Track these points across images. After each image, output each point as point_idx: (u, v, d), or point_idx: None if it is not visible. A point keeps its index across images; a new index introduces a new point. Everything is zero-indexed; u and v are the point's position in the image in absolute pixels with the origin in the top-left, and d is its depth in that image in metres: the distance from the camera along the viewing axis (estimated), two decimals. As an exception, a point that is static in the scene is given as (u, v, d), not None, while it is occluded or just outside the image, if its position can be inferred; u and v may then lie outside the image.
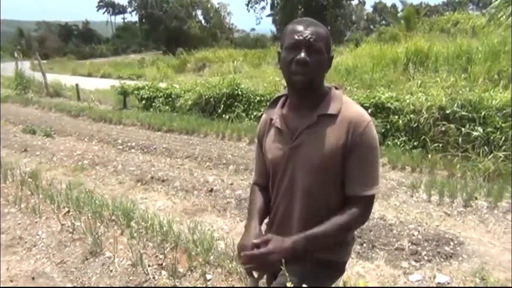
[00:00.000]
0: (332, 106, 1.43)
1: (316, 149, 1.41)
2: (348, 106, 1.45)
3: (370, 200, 1.45)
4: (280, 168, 1.51)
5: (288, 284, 0.73)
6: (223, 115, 9.34)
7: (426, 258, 3.39)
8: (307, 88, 1.41)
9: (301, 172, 1.45)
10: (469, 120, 6.05)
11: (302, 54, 1.35)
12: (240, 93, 9.37)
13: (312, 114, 1.43)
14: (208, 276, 3.06)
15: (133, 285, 3.00)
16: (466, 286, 3.00)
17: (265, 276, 1.55)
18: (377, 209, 4.36)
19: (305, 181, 1.45)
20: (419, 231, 3.84)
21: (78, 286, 3.06)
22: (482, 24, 14.26)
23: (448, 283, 3.02)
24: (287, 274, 0.91)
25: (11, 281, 3.13)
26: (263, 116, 1.65)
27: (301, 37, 1.36)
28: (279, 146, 1.50)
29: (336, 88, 1.51)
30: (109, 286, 3.02)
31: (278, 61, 1.47)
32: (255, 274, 1.45)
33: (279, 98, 1.59)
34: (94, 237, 3.52)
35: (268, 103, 1.63)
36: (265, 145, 1.59)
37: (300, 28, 1.37)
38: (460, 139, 5.96)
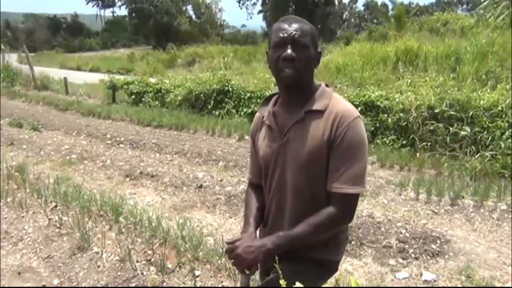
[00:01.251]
0: (320, 102, 1.43)
1: (303, 145, 1.41)
2: (336, 102, 1.44)
3: (349, 198, 1.41)
4: (270, 165, 1.51)
5: (281, 282, 0.73)
6: (213, 111, 9.32)
7: (413, 255, 3.43)
8: (295, 84, 1.41)
9: (290, 168, 1.45)
10: (457, 119, 6.12)
11: (289, 51, 1.36)
12: (230, 89, 9.36)
13: (300, 110, 1.44)
14: (197, 272, 3.06)
15: (121, 281, 2.99)
16: (452, 284, 3.04)
17: (257, 272, 1.56)
18: (365, 207, 4.40)
19: (294, 178, 1.45)
20: (406, 229, 3.87)
21: (66, 283, 3.03)
22: (471, 24, 14.44)
23: (435, 281, 3.06)
24: (280, 272, 0.91)
25: (-3, 276, 3.10)
26: (256, 114, 1.65)
27: (285, 34, 1.37)
28: (269, 143, 1.50)
29: (327, 86, 1.50)
30: (97, 281, 3.00)
31: (267, 60, 1.48)
32: (247, 271, 1.45)
33: (271, 96, 1.60)
34: (82, 232, 3.49)
35: (260, 101, 1.63)
36: (257, 143, 1.59)
37: (284, 26, 1.39)
38: (448, 138, 6.03)
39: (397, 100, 6.86)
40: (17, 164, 5.59)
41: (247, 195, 1.71)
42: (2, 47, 18.27)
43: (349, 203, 1.42)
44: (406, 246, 3.57)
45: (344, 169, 1.38)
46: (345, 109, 1.41)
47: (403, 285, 3.02)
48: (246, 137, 7.48)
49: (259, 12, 40.40)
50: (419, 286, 3.02)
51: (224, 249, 2.97)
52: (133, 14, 39.38)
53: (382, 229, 3.89)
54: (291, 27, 1.37)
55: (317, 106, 1.42)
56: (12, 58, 18.23)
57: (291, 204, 1.49)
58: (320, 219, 1.40)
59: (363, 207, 4.35)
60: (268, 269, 1.53)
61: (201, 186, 5.06)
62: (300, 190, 1.46)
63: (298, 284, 0.69)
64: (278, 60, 1.38)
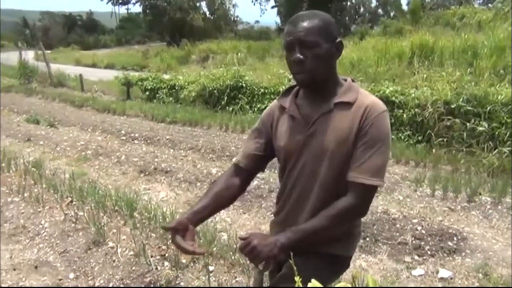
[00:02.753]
0: (348, 95, 1.43)
1: (332, 136, 1.39)
2: (365, 95, 1.44)
3: (366, 190, 1.38)
4: (293, 155, 1.49)
5: (296, 279, 0.72)
6: (227, 107, 9.32)
7: (429, 252, 3.38)
8: (311, 84, 1.41)
9: (317, 160, 1.43)
10: (474, 115, 6.02)
11: (297, 54, 1.35)
12: (244, 85, 9.34)
13: (327, 102, 1.42)
14: (211, 268, 3.07)
15: (135, 275, 3.01)
16: (469, 281, 3.00)
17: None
18: (380, 203, 4.35)
19: (321, 169, 1.43)
20: (422, 226, 3.83)
21: (81, 277, 3.07)
22: (488, 18, 14.18)
23: (451, 278, 3.02)
24: (294, 268, 0.90)
25: (14, 269, 3.14)
26: (274, 102, 1.62)
27: (292, 37, 1.36)
28: (293, 134, 1.48)
29: (353, 81, 1.50)
30: (112, 276, 3.03)
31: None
32: (260, 266, 1.44)
33: (292, 87, 1.58)
34: (97, 227, 3.53)
35: (275, 96, 1.62)
36: (275, 132, 1.55)
37: (290, 28, 1.38)
38: (465, 134, 5.93)
39: (412, 95, 6.76)
40: (34, 160, 5.67)
41: (227, 172, 1.64)
42: (20, 44, 18.50)
43: (365, 194, 1.40)
44: (422, 243, 3.53)
45: (364, 160, 1.36)
46: (374, 102, 1.41)
47: (419, 282, 2.99)
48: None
49: (273, 7, 40.24)
50: (435, 283, 2.98)
51: (238, 245, 2.97)
52: (147, 11, 39.55)
53: (398, 225, 3.86)
54: (297, 27, 1.36)
55: (346, 98, 1.41)
56: (29, 56, 18.47)
57: (316, 195, 1.46)
58: (335, 211, 1.38)
59: (378, 203, 4.31)
60: (280, 265, 1.51)
61: (214, 182, 5.06)
62: (326, 181, 1.44)
63: (313, 281, 0.68)
64: (290, 64, 1.40)
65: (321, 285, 0.65)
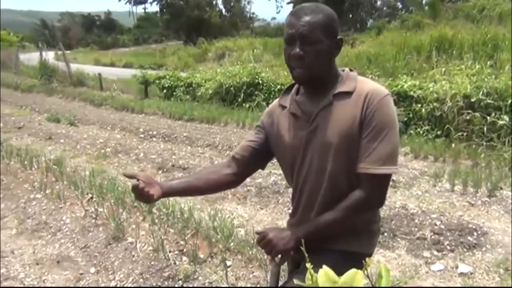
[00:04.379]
0: (347, 84, 1.39)
1: (335, 129, 1.36)
2: (364, 83, 1.40)
3: (378, 179, 1.34)
4: (298, 153, 1.45)
5: (308, 265, 0.72)
6: (243, 104, 9.34)
7: (448, 248, 3.34)
8: (307, 80, 1.38)
9: (322, 154, 1.40)
10: (494, 108, 5.91)
11: (297, 49, 1.32)
12: (260, 82, 9.35)
13: (327, 95, 1.39)
14: (228, 263, 3.09)
15: (154, 270, 3.05)
16: (490, 277, 2.95)
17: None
18: (399, 198, 4.32)
19: (328, 163, 1.39)
20: (441, 221, 3.78)
21: (102, 271, 3.13)
22: (510, 10, 13.85)
23: (471, 273, 2.98)
24: (310, 265, 0.90)
25: (37, 264, 3.22)
26: (274, 102, 1.61)
27: (293, 30, 1.32)
28: (296, 132, 1.45)
29: (351, 70, 1.46)
30: (131, 270, 3.08)
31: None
32: (277, 259, 1.45)
33: (292, 85, 1.55)
34: (116, 222, 3.59)
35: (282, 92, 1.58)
36: (277, 132, 1.53)
37: (293, 20, 1.33)
38: (485, 128, 5.83)
39: (431, 89, 6.67)
40: (55, 158, 5.78)
41: (219, 163, 1.67)
42: (40, 45, 18.85)
43: (378, 184, 1.36)
44: (441, 238, 3.49)
45: (372, 149, 1.32)
46: (374, 88, 1.37)
47: (438, 278, 2.96)
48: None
49: (288, 3, 40.07)
50: (454, 278, 2.94)
51: (255, 239, 2.98)
52: (164, 10, 39.87)
53: (416, 220, 3.82)
54: (300, 21, 1.30)
55: (344, 88, 1.38)
56: (50, 56, 18.80)
57: (325, 190, 1.43)
58: (348, 203, 1.37)
59: (396, 198, 4.28)
60: (297, 259, 1.50)
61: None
62: (334, 175, 1.40)
63: (324, 267, 0.69)
64: (289, 58, 1.36)
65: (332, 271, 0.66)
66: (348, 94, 1.37)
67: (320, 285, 0.64)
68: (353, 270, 0.67)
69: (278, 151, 1.55)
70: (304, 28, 1.30)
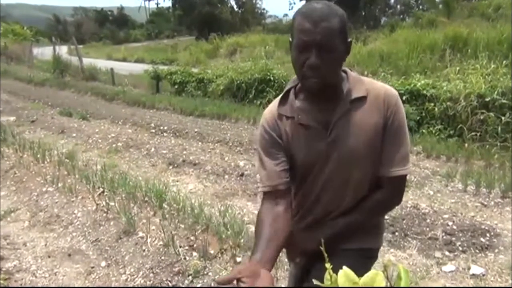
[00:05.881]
0: (358, 88, 1.34)
1: (357, 137, 1.32)
2: (371, 83, 1.37)
3: (402, 180, 1.38)
4: (315, 165, 1.39)
5: (327, 265, 0.71)
6: (254, 101, 9.33)
7: (460, 248, 3.31)
8: (322, 90, 1.29)
9: (345, 164, 1.35)
10: (509, 108, 5.83)
11: (313, 58, 1.21)
12: (272, 78, 9.32)
13: (339, 102, 1.33)
14: (238, 259, 3.10)
15: (164, 265, 3.06)
16: (502, 279, 2.92)
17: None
18: (410, 197, 4.28)
19: (352, 172, 1.36)
20: (453, 221, 3.74)
21: (112, 265, 3.15)
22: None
23: (483, 275, 2.94)
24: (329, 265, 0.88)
25: (49, 256, 3.25)
26: (270, 114, 1.44)
27: (310, 38, 1.20)
28: (312, 144, 1.36)
29: (350, 70, 1.41)
30: (142, 265, 3.09)
31: (289, 49, 1.32)
32: (297, 259, 1.44)
33: (287, 92, 1.43)
34: (127, 217, 3.60)
35: (278, 98, 1.45)
36: (288, 144, 1.40)
37: (308, 26, 1.20)
38: (499, 128, 5.75)
39: (444, 88, 6.61)
40: (67, 152, 5.83)
41: (266, 215, 1.35)
42: (53, 39, 19.02)
43: (400, 185, 1.40)
44: (453, 238, 3.45)
45: (395, 151, 1.34)
46: (385, 89, 1.36)
47: (450, 279, 2.93)
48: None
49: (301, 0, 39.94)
50: (466, 280, 2.91)
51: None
52: (177, 6, 39.99)
53: (428, 220, 3.78)
54: (317, 28, 1.19)
55: (358, 93, 1.33)
56: (63, 50, 18.98)
57: (349, 199, 1.41)
58: (372, 204, 1.38)
59: (407, 198, 4.24)
60: (311, 255, 1.47)
61: (242, 175, 5.09)
62: (361, 182, 1.38)
63: (344, 268, 0.68)
64: (302, 66, 1.25)
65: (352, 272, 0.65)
66: (363, 98, 1.34)
67: (340, 286, 0.64)
68: (373, 271, 0.66)
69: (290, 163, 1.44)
70: (322, 37, 1.20)
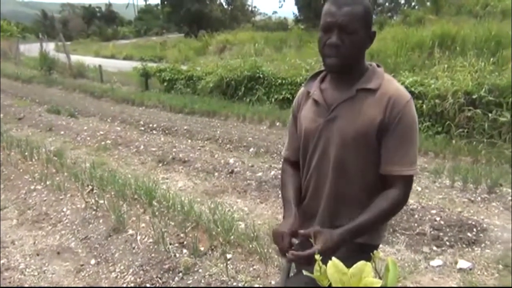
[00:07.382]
0: (372, 81, 1.42)
1: (352, 122, 1.40)
2: (389, 83, 1.43)
3: (410, 180, 1.44)
4: (312, 140, 1.50)
5: (316, 257, 0.72)
6: (244, 98, 9.33)
7: (448, 243, 3.35)
8: (340, 70, 1.41)
9: (334, 145, 1.44)
10: (496, 105, 5.90)
11: (334, 38, 1.34)
12: (261, 76, 9.32)
13: (351, 88, 1.42)
14: (228, 256, 3.10)
15: (154, 262, 3.06)
16: (489, 272, 2.96)
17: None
18: (399, 194, 4.31)
19: (338, 154, 1.44)
20: (441, 217, 3.79)
21: (102, 263, 3.14)
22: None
23: (470, 269, 2.99)
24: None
25: (38, 255, 3.23)
26: (301, 89, 1.64)
27: (333, 19, 1.34)
28: (314, 118, 1.49)
29: (378, 66, 1.49)
30: (131, 262, 3.08)
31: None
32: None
33: (319, 72, 1.58)
34: (117, 215, 3.59)
35: (305, 80, 1.61)
36: (300, 116, 1.57)
37: (333, 9, 1.34)
38: (486, 125, 5.82)
39: (432, 86, 6.66)
40: (56, 149, 5.79)
41: (283, 174, 1.68)
42: (40, 36, 18.80)
43: (409, 184, 1.45)
44: (441, 233, 3.49)
45: (403, 151, 1.39)
46: (399, 90, 1.41)
47: (437, 273, 2.97)
48: (277, 124, 7.48)
49: (291, -3, 39.92)
50: (453, 274, 2.95)
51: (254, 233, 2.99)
52: (165, 2, 39.69)
53: (416, 216, 3.82)
54: (340, 11, 1.33)
55: (369, 84, 1.41)
56: (50, 47, 18.75)
57: (332, 182, 1.47)
58: (386, 204, 1.40)
59: (396, 194, 4.27)
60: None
61: (232, 172, 5.10)
62: (342, 167, 1.44)
63: (334, 259, 0.69)
64: (324, 46, 1.38)
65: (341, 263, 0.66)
66: (372, 91, 1.40)
67: (329, 276, 0.65)
68: (362, 262, 0.67)
69: (299, 134, 1.58)
70: (345, 19, 1.32)
